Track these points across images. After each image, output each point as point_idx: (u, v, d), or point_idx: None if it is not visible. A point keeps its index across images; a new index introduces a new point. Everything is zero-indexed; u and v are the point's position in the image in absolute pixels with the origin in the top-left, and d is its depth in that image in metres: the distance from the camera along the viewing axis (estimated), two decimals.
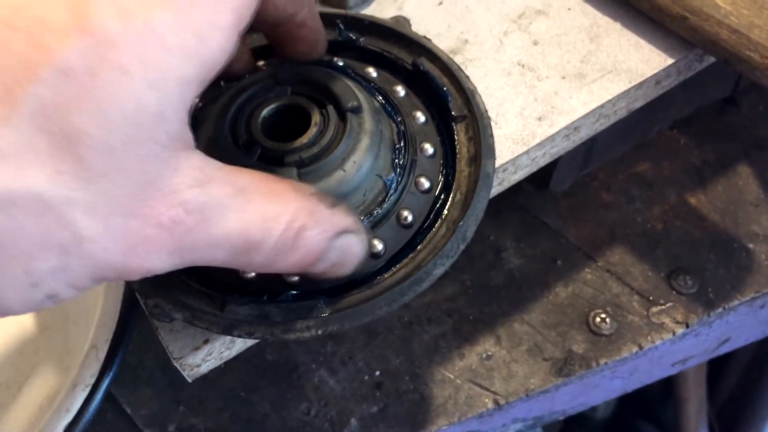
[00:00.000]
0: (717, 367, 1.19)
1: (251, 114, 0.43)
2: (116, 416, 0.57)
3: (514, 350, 0.59)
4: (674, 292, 0.61)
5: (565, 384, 0.58)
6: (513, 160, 0.49)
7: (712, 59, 0.55)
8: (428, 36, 0.51)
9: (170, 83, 0.27)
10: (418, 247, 0.43)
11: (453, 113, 0.47)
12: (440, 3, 0.57)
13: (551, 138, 0.50)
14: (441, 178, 0.45)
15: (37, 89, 0.24)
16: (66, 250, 0.26)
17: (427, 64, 0.49)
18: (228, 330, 0.39)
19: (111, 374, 0.47)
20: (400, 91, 0.49)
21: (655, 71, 0.52)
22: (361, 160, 0.42)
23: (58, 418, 0.45)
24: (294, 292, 0.41)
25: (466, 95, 0.47)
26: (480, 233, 0.64)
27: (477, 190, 0.43)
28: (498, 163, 0.49)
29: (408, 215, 0.43)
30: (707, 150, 0.69)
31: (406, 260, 0.42)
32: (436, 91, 0.48)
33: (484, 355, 0.59)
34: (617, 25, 0.55)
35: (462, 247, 0.41)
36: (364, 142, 0.42)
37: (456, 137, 0.47)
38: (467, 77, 0.48)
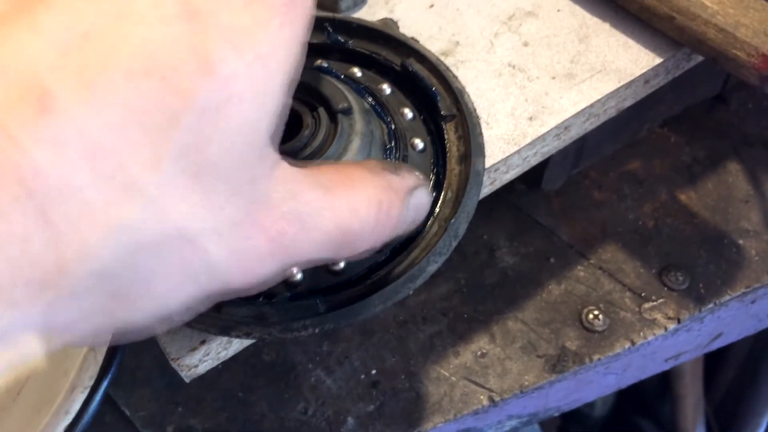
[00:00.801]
0: (714, 364, 1.19)
1: None
2: (115, 418, 0.57)
3: (508, 348, 0.59)
4: (666, 288, 0.61)
5: (559, 380, 0.59)
6: (504, 160, 0.50)
7: (700, 58, 0.56)
8: (419, 38, 0.52)
9: (274, 107, 0.29)
10: (411, 245, 0.43)
11: (442, 112, 0.48)
12: (431, 6, 0.58)
13: (542, 137, 0.51)
14: (432, 177, 0.46)
15: (181, 135, 0.26)
16: (200, 280, 0.28)
17: (415, 65, 0.49)
18: (226, 331, 0.39)
19: (109, 376, 0.47)
20: (386, 89, 0.50)
21: (644, 70, 0.53)
22: (353, 160, 0.43)
23: (57, 420, 0.46)
24: (290, 293, 0.41)
25: (454, 95, 0.48)
26: (473, 232, 0.64)
27: (468, 188, 0.44)
28: (490, 162, 0.50)
29: None
30: (697, 147, 0.69)
31: (399, 258, 0.43)
32: (424, 91, 0.49)
33: (479, 353, 0.59)
34: (606, 26, 0.56)
35: (454, 244, 0.42)
36: (356, 143, 0.43)
37: (446, 136, 0.47)
38: (455, 77, 0.49)
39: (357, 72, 0.51)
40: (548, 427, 1.19)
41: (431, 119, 0.48)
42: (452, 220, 0.42)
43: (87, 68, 0.24)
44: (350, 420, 0.57)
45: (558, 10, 0.57)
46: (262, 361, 0.59)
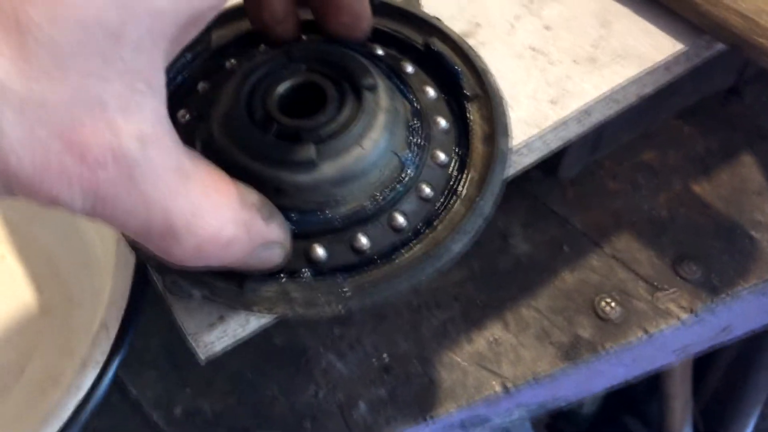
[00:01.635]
0: (702, 364, 1.20)
1: (266, 91, 0.43)
2: (121, 398, 0.56)
3: (521, 335, 0.59)
4: (679, 279, 0.61)
5: (571, 369, 0.58)
6: (526, 142, 0.49)
7: (720, 46, 0.56)
8: (439, 18, 0.51)
9: (138, 8, 0.25)
10: (436, 225, 0.42)
11: (466, 92, 0.47)
12: None
13: (564, 121, 0.50)
14: (455, 157, 0.45)
15: None
16: None
17: (438, 44, 0.49)
18: (248, 306, 0.39)
19: (122, 353, 0.46)
20: (408, 67, 0.49)
21: (666, 57, 0.53)
22: (377, 137, 0.42)
23: (67, 396, 0.45)
24: (313, 270, 0.40)
25: (478, 74, 0.47)
26: None
27: (492, 167, 0.43)
28: (512, 144, 0.49)
29: (426, 188, 0.43)
30: (711, 139, 0.69)
31: (422, 236, 0.42)
32: (447, 70, 0.48)
33: (492, 340, 0.59)
34: (627, 11, 0.55)
35: (481, 223, 0.42)
36: (381, 119, 0.42)
37: (469, 116, 0.47)
38: (479, 57, 0.48)
39: (378, 50, 0.50)
40: (537, 426, 1.19)
41: (454, 99, 0.48)
42: (478, 199, 0.42)
43: None
44: (362, 404, 0.56)
45: None
46: (273, 345, 0.58)
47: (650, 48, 0.53)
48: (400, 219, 0.42)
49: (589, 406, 1.28)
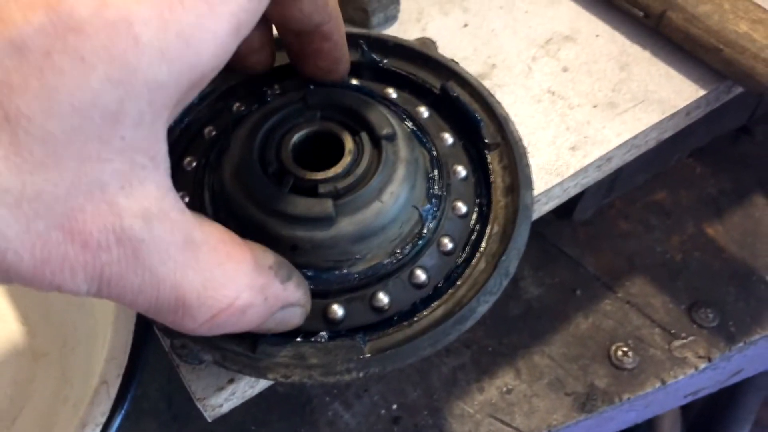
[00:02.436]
0: None
1: (281, 140, 0.41)
2: None
3: (534, 384, 0.57)
4: (695, 326, 0.60)
5: (586, 419, 0.57)
6: (546, 191, 0.48)
7: (739, 90, 0.54)
8: (456, 61, 0.49)
9: (136, 84, 0.24)
10: (457, 282, 0.41)
11: (486, 141, 0.45)
12: (465, 25, 0.56)
13: (585, 169, 0.48)
14: (476, 208, 0.44)
15: None
16: None
17: (456, 89, 0.47)
18: (262, 373, 0.36)
19: (122, 412, 0.44)
20: (424, 112, 0.47)
21: (688, 102, 0.51)
22: (398, 190, 0.40)
23: None
24: (330, 332, 0.38)
25: (499, 122, 0.45)
26: None
27: (517, 222, 0.41)
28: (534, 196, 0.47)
29: (448, 242, 0.41)
30: (723, 179, 0.68)
31: (445, 296, 0.40)
32: (467, 116, 0.46)
33: (504, 389, 0.57)
34: (647, 54, 0.54)
35: (505, 283, 0.40)
36: (401, 171, 0.40)
37: (490, 166, 0.45)
38: (499, 103, 0.46)
39: (392, 93, 0.48)
40: None
41: (472, 146, 0.46)
42: (503, 257, 0.40)
43: None
44: None
45: (597, 36, 0.55)
46: (276, 393, 0.56)
47: (672, 93, 0.52)
48: (421, 275, 0.40)
49: None
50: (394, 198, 0.40)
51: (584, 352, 0.58)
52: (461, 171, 0.44)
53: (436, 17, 0.56)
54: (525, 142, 0.48)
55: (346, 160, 0.40)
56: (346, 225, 0.39)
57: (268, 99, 0.47)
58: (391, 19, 0.56)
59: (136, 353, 0.46)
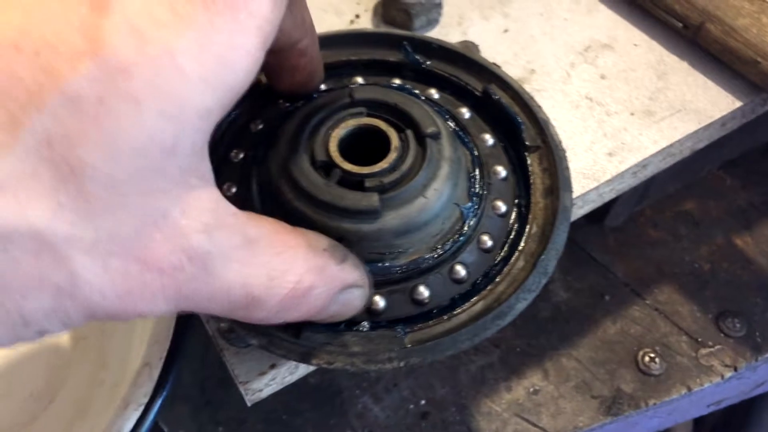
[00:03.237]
0: None
1: (327, 134, 0.42)
2: None
3: (561, 386, 0.58)
4: (722, 335, 0.60)
5: (611, 423, 0.57)
6: (582, 195, 0.49)
7: None
8: (498, 65, 0.50)
9: (188, 115, 0.25)
10: (496, 279, 0.42)
11: (527, 143, 0.46)
12: (506, 30, 0.57)
13: (621, 174, 0.49)
14: (515, 209, 0.45)
15: (43, 118, 0.22)
16: (61, 291, 0.24)
17: (498, 92, 0.48)
18: (306, 358, 0.37)
19: (164, 394, 0.45)
20: (465, 113, 0.48)
21: (723, 113, 0.52)
22: (441, 187, 0.41)
23: None
24: (371, 322, 0.39)
25: (539, 125, 0.46)
26: None
27: (556, 224, 0.42)
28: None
29: (487, 240, 0.42)
30: (753, 192, 0.68)
31: (484, 292, 0.41)
32: (508, 119, 0.47)
33: (532, 390, 0.57)
34: (684, 64, 0.55)
35: (544, 282, 0.41)
36: (444, 169, 0.42)
37: (530, 168, 0.46)
38: (540, 107, 0.47)
39: (434, 94, 0.49)
40: None
41: (512, 148, 0.47)
42: (542, 256, 0.41)
43: None
44: None
45: (635, 45, 0.56)
46: (308, 384, 0.57)
47: (708, 104, 0.52)
48: (461, 270, 0.41)
49: None
50: (437, 195, 0.41)
51: (611, 356, 0.59)
52: (501, 171, 0.45)
53: (476, 22, 0.57)
54: (562, 146, 0.49)
55: (392, 156, 0.41)
56: (391, 219, 0.40)
57: (314, 95, 0.48)
58: (433, 22, 0.57)
59: (178, 337, 0.47)
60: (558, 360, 0.59)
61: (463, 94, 0.50)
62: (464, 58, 0.50)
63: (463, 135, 0.47)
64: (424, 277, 0.41)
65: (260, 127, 0.47)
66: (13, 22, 0.22)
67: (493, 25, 0.57)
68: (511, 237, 0.43)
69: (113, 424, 0.44)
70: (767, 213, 0.67)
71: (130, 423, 0.44)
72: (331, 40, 0.51)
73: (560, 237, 0.42)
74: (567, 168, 0.45)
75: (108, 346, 0.58)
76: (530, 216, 0.44)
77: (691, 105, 0.52)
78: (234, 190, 0.44)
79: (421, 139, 0.42)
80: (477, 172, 0.44)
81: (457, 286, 0.41)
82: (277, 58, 0.41)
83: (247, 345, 0.38)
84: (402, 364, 0.38)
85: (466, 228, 0.42)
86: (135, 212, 0.25)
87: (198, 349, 0.43)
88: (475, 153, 0.45)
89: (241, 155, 0.46)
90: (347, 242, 0.40)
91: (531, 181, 0.45)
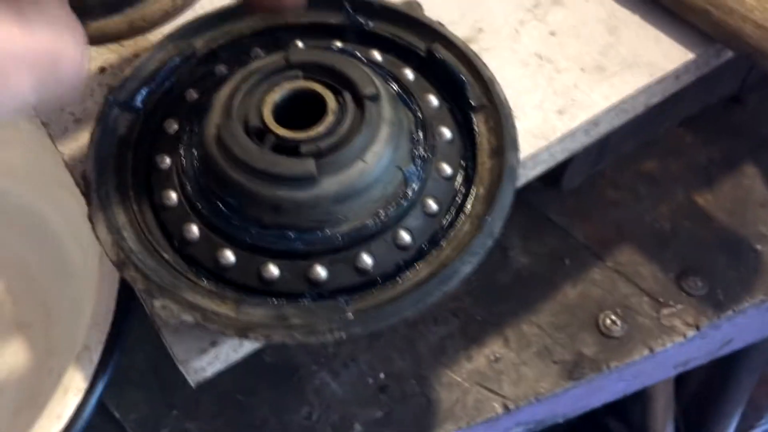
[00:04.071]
0: None
1: (261, 99, 0.40)
2: (104, 420, 0.53)
3: (522, 352, 0.57)
4: (684, 294, 0.59)
5: (573, 387, 0.56)
6: (533, 155, 0.47)
7: (729, 55, 0.54)
8: (442, 24, 0.48)
9: None
10: (442, 243, 0.40)
11: (472, 102, 0.45)
12: None
13: (572, 132, 0.48)
14: (461, 171, 0.43)
15: None
16: None
17: (442, 51, 0.46)
18: (243, 332, 0.36)
19: (105, 378, 0.43)
20: (409, 74, 0.47)
21: (676, 65, 0.51)
22: (381, 151, 0.39)
23: (48, 425, 0.42)
24: (312, 292, 0.38)
25: (485, 84, 0.45)
26: None
27: (502, 184, 0.41)
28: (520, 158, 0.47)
29: (432, 203, 0.40)
30: (713, 149, 0.67)
31: (429, 257, 0.40)
32: (452, 78, 0.46)
33: (492, 357, 0.56)
34: (636, 18, 0.53)
35: (490, 243, 0.39)
36: (384, 131, 0.40)
37: (475, 128, 0.44)
38: (485, 65, 0.46)
39: (377, 55, 0.48)
40: None
41: (458, 108, 0.46)
42: (487, 218, 0.39)
43: None
44: (357, 426, 0.53)
45: (585, 0, 0.54)
46: (263, 363, 0.56)
47: (660, 56, 0.51)
48: (406, 236, 0.40)
49: None
50: (377, 158, 0.39)
51: (572, 320, 0.58)
52: (446, 133, 0.44)
53: None
54: (512, 105, 0.48)
55: (329, 119, 0.39)
56: (329, 185, 0.38)
57: (251, 61, 0.46)
58: None
59: (120, 320, 0.45)
60: (518, 327, 0.58)
61: (407, 56, 0.48)
62: (407, 17, 0.48)
63: (406, 97, 0.45)
64: (367, 245, 0.39)
65: (195, 96, 0.46)
66: None
67: None
68: (457, 200, 0.42)
69: (52, 410, 0.42)
70: (728, 168, 0.66)
71: (70, 409, 0.42)
72: None
73: (506, 197, 0.41)
74: (513, 126, 0.43)
75: (54, 333, 0.57)
76: (476, 177, 0.42)
77: (643, 59, 0.51)
78: (168, 161, 0.42)
79: (359, 101, 0.40)
80: (421, 134, 0.43)
81: (401, 253, 0.40)
82: None
83: (181, 321, 0.36)
84: (343, 335, 0.36)
85: (409, 192, 0.40)
86: None
87: (151, 333, 0.41)
88: (419, 115, 0.44)
89: (176, 126, 0.44)
90: (284, 211, 0.38)
91: (477, 141, 0.44)
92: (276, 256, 0.39)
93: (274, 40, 0.49)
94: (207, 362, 0.40)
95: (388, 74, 0.46)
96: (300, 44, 0.48)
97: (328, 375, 0.55)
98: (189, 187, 0.40)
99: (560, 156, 0.50)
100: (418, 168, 0.41)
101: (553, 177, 0.59)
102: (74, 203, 0.47)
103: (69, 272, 0.58)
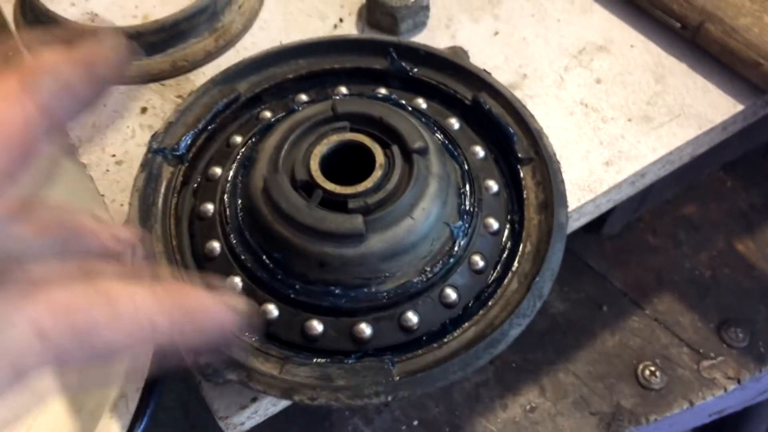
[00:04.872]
0: None
1: (309, 152, 0.40)
2: None
3: (559, 402, 0.55)
4: (725, 345, 0.58)
5: None
6: (579, 208, 0.46)
7: None
8: (488, 72, 0.48)
9: None
10: (489, 303, 0.39)
11: (519, 155, 0.44)
12: (496, 33, 0.54)
13: (618, 185, 0.47)
14: (508, 225, 0.42)
15: None
16: None
17: (488, 101, 0.46)
18: (287, 394, 0.35)
19: (141, 428, 0.43)
20: (455, 124, 0.46)
21: (725, 118, 0.50)
22: (429, 206, 0.39)
23: None
24: (357, 351, 0.37)
25: (533, 136, 0.44)
26: None
27: (551, 242, 0.40)
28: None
29: (479, 260, 0.39)
30: (754, 193, 0.66)
31: (476, 316, 0.39)
32: (499, 129, 0.45)
33: (528, 407, 0.55)
34: (683, 66, 0.52)
35: (539, 305, 0.38)
36: (433, 186, 0.39)
37: (522, 181, 0.43)
38: (533, 117, 0.45)
39: (422, 103, 0.47)
40: None
41: (504, 160, 0.45)
42: (536, 279, 0.39)
43: None
44: None
45: (631, 46, 0.53)
46: (295, 406, 0.54)
47: (708, 107, 0.50)
48: (452, 294, 0.39)
49: None
50: (425, 214, 0.39)
51: (610, 370, 0.57)
52: (493, 186, 0.43)
53: (466, 24, 0.55)
54: (557, 157, 0.47)
55: (377, 174, 0.39)
56: (376, 242, 0.37)
57: (296, 107, 0.46)
58: (420, 25, 0.55)
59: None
60: (555, 375, 0.57)
61: (452, 103, 0.47)
62: (453, 64, 0.47)
63: (452, 148, 0.44)
64: (413, 302, 0.38)
65: (241, 140, 0.45)
66: None
67: (482, 27, 0.54)
68: (504, 256, 0.41)
69: None
70: None
71: None
72: (313, 48, 0.49)
73: (556, 257, 0.40)
74: (562, 181, 0.42)
75: (87, 371, 0.56)
76: (524, 233, 0.42)
77: (691, 109, 0.50)
78: (211, 209, 0.42)
79: (407, 155, 0.40)
80: (467, 187, 0.42)
81: (447, 311, 0.39)
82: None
83: (226, 381, 0.35)
84: (390, 398, 0.35)
85: (456, 248, 0.39)
86: None
87: (180, 371, 0.40)
88: (465, 167, 0.43)
89: (219, 172, 0.43)
90: (329, 267, 0.37)
91: (524, 195, 0.43)
92: (320, 313, 0.38)
93: (318, 84, 0.48)
94: (247, 417, 0.40)
95: (434, 123, 0.45)
96: (344, 89, 0.48)
97: (360, 421, 0.54)
98: (233, 238, 0.40)
99: (605, 207, 0.49)
100: (465, 223, 0.40)
101: (594, 223, 0.58)
102: None
103: None
